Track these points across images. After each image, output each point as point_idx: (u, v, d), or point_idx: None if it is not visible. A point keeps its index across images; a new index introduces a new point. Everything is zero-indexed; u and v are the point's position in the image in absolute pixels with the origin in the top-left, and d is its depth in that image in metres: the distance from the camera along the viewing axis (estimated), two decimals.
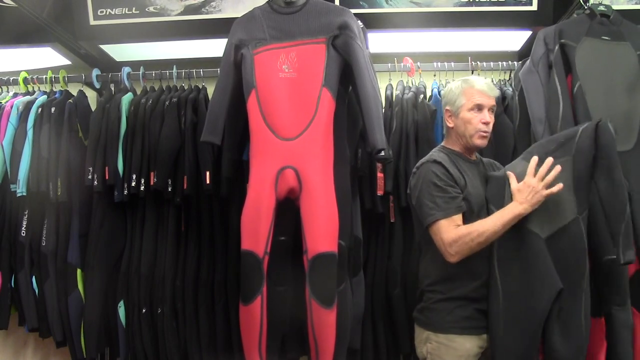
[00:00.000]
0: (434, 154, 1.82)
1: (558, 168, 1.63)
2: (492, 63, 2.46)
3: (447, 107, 1.85)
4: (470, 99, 1.79)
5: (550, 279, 1.62)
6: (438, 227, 1.68)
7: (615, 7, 2.16)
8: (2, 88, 2.64)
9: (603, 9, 2.12)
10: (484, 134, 1.79)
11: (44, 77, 2.57)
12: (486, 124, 1.78)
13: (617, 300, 1.74)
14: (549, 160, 1.65)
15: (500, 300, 1.69)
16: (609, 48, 2.06)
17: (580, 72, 2.01)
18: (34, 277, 2.37)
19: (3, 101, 2.51)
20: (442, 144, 1.89)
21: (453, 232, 1.65)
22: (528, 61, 2.17)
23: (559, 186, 1.62)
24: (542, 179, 1.63)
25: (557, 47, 2.04)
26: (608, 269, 1.75)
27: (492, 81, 2.43)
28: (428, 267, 1.81)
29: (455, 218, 1.68)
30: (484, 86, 1.80)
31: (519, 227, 1.67)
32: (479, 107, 1.78)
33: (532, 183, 1.64)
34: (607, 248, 1.71)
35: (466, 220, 1.70)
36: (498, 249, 1.72)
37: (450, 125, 1.84)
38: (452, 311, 1.72)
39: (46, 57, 2.65)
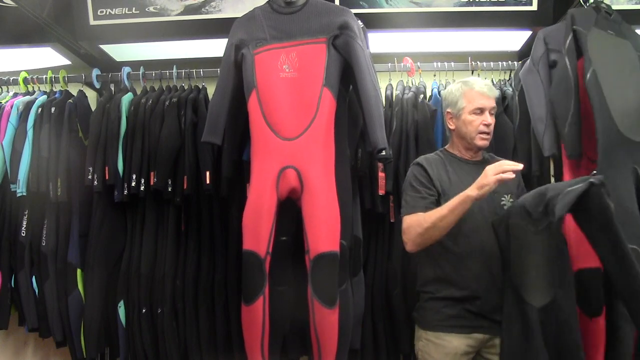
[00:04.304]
0: (423, 156, 1.89)
1: (520, 166, 1.67)
2: (492, 63, 2.46)
3: (448, 110, 1.87)
4: (472, 101, 1.82)
5: (537, 353, 1.62)
6: (403, 220, 1.77)
7: (615, 7, 2.16)
8: (2, 88, 2.65)
9: (604, 6, 2.12)
10: (486, 135, 1.83)
11: (44, 77, 2.57)
12: (487, 125, 1.82)
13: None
14: (520, 165, 1.68)
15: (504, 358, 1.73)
16: (614, 43, 2.02)
17: (593, 59, 1.93)
18: (34, 277, 2.37)
19: (3, 101, 2.51)
20: (445, 147, 1.93)
21: (411, 219, 1.74)
22: (528, 61, 2.17)
23: (509, 175, 1.62)
24: (498, 171, 1.63)
25: (571, 34, 1.97)
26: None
27: (492, 81, 2.45)
28: (420, 267, 1.87)
29: (419, 214, 1.73)
30: (484, 88, 1.83)
31: (518, 298, 1.68)
32: (481, 110, 1.81)
33: (487, 170, 1.65)
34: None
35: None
36: (503, 314, 1.73)
37: (452, 127, 1.87)
38: (440, 310, 1.76)
39: (46, 57, 2.65)
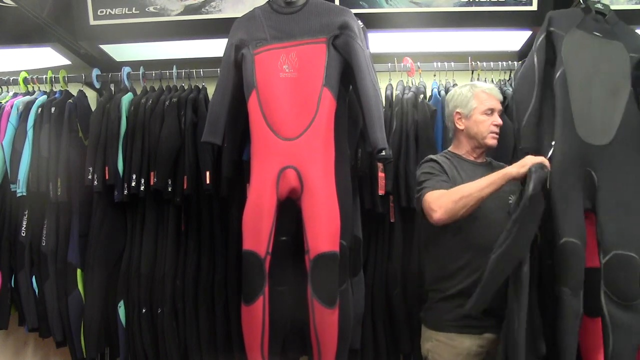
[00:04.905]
0: (433, 155, 1.90)
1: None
2: (492, 63, 2.46)
3: (458, 110, 1.90)
4: (483, 102, 1.87)
5: None
6: (426, 197, 1.75)
7: (615, 7, 2.15)
8: (2, 88, 2.64)
9: (600, 7, 2.12)
10: (496, 135, 1.88)
11: (44, 77, 2.57)
12: (497, 125, 1.87)
13: (570, 284, 1.73)
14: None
15: None
16: (598, 44, 2.02)
17: (565, 59, 1.96)
18: (34, 277, 2.37)
19: (3, 101, 2.51)
20: (448, 149, 1.95)
21: (439, 192, 1.73)
22: (528, 61, 2.17)
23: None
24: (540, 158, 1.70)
25: (543, 35, 2.02)
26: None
27: (492, 81, 2.45)
28: (430, 265, 1.87)
29: (446, 190, 1.73)
30: (493, 91, 1.91)
31: None
32: (491, 111, 1.87)
33: (528, 157, 1.71)
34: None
35: (463, 222, 1.73)
36: None
37: (461, 127, 1.89)
38: (452, 310, 1.75)
39: (46, 57, 2.65)
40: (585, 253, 1.76)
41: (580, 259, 1.75)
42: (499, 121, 1.87)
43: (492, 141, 1.87)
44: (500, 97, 1.93)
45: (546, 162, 1.69)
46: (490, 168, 1.88)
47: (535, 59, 1.98)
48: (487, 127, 1.86)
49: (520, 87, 2.05)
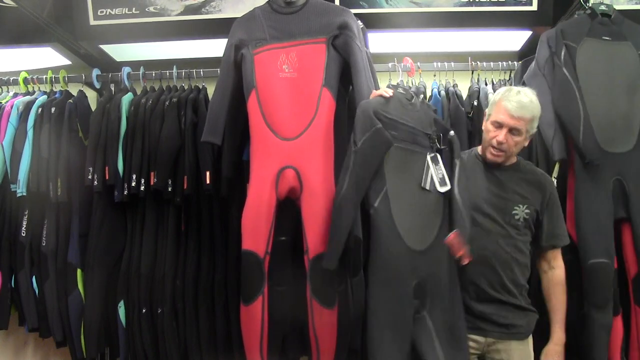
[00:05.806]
0: None
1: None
2: (492, 63, 2.46)
3: (486, 110, 1.88)
4: (496, 113, 1.78)
5: None
6: None
7: (615, 7, 2.16)
8: (2, 88, 2.64)
9: (604, 8, 2.12)
10: (495, 151, 1.78)
11: (44, 77, 2.57)
12: (499, 142, 1.76)
13: (597, 302, 1.79)
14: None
15: None
16: (609, 48, 2.05)
17: (580, 73, 2.00)
18: (34, 277, 2.37)
19: (3, 101, 2.51)
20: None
21: None
22: (533, 64, 2.16)
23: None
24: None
25: (564, 48, 2.03)
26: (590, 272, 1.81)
27: (492, 81, 2.44)
28: None
29: None
30: (511, 104, 1.74)
31: None
32: (499, 124, 1.77)
33: None
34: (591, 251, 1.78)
35: None
36: None
37: (483, 127, 1.86)
38: None
39: (46, 57, 2.65)
40: (613, 267, 1.83)
41: (609, 277, 1.81)
42: (501, 138, 1.74)
43: (489, 155, 1.79)
44: (523, 114, 1.73)
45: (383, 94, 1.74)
46: (510, 172, 1.82)
47: (567, 73, 2.00)
48: (488, 139, 1.79)
49: (562, 103, 2.01)
